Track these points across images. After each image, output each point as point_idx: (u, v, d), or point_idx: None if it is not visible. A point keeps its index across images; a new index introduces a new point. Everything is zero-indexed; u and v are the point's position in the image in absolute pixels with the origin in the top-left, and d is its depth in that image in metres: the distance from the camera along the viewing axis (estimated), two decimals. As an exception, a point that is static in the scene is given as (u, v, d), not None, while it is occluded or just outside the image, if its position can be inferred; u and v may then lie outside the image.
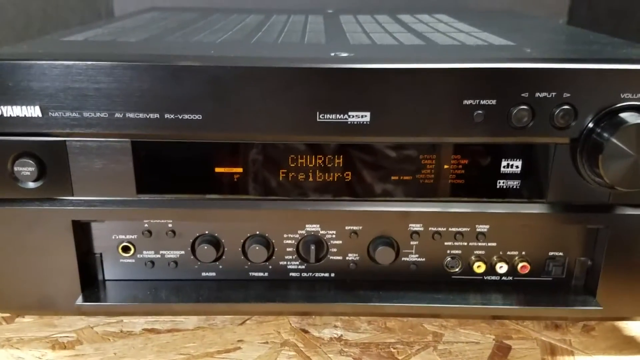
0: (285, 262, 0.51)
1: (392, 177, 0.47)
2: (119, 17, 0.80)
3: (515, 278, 0.51)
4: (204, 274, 0.51)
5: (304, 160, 0.46)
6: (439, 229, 0.49)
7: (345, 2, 0.96)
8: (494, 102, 0.42)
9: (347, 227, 0.49)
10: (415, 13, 0.81)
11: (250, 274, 0.51)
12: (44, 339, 0.50)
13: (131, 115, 0.43)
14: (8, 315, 0.53)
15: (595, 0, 0.96)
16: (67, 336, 0.51)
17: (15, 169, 0.44)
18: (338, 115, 0.43)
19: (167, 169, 0.46)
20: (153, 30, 0.61)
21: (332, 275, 0.51)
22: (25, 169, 0.45)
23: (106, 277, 0.51)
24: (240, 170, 0.47)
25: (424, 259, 0.50)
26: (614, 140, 0.41)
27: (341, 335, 0.52)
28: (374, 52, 0.50)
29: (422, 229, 0.49)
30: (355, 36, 0.58)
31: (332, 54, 0.46)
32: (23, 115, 0.43)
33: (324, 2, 0.93)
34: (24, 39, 0.55)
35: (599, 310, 0.49)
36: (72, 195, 0.46)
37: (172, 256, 0.50)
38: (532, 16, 0.86)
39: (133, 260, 0.50)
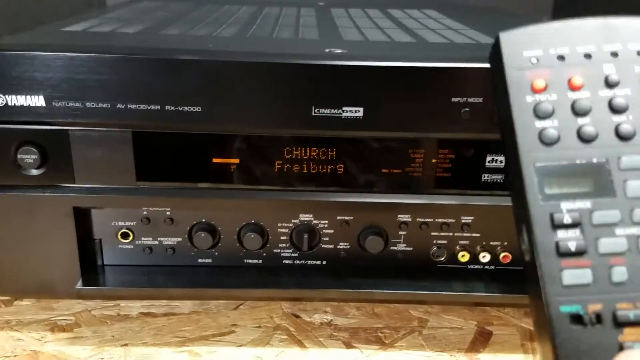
0: (279, 250, 0.52)
1: (382, 170, 0.49)
2: (112, 7, 0.80)
3: (497, 267, 0.53)
4: (200, 260, 0.52)
5: (298, 153, 0.48)
6: (426, 219, 0.51)
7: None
8: (480, 100, 0.44)
9: (338, 217, 0.51)
10: (405, 8, 0.83)
11: (245, 260, 0.53)
12: (43, 321, 0.52)
13: (133, 106, 0.44)
14: (7, 298, 0.54)
15: (578, -1, 0.98)
16: (66, 319, 0.52)
17: (19, 156, 0.46)
18: (332, 110, 0.45)
19: (166, 158, 0.48)
20: (149, 22, 0.62)
21: (324, 262, 0.53)
22: (29, 156, 0.46)
23: (105, 262, 0.52)
24: (237, 161, 0.48)
25: (411, 248, 0.52)
26: None
27: (331, 320, 0.54)
28: (367, 48, 0.52)
29: (410, 219, 0.51)
30: (347, 31, 0.60)
31: (327, 50, 0.47)
32: (27, 105, 0.44)
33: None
34: (15, 26, 0.56)
35: (575, 298, 0.51)
36: (74, 183, 0.47)
37: (170, 243, 0.52)
38: (513, 14, 0.88)
39: (132, 246, 0.52)
